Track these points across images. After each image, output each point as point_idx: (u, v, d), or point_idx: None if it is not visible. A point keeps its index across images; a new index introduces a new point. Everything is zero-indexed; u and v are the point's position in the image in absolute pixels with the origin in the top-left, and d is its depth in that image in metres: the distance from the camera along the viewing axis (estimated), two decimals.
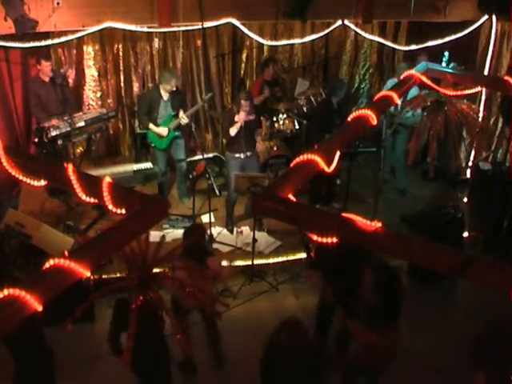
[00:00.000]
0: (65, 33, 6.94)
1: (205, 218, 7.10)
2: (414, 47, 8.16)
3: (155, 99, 7.09)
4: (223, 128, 6.97)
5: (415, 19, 8.08)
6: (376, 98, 4.12)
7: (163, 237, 3.42)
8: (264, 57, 8.76)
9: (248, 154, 6.88)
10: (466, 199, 7.81)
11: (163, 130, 7.11)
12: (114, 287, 3.33)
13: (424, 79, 4.33)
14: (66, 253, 2.44)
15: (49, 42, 6.92)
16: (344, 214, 2.85)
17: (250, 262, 6.53)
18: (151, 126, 7.11)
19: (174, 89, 7.07)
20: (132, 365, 3.72)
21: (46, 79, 7.09)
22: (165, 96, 7.08)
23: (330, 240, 2.71)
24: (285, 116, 8.02)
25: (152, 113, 7.12)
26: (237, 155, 6.86)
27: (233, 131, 6.64)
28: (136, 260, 3.19)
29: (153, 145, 7.35)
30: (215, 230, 6.98)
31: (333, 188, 7.70)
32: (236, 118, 6.61)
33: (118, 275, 5.66)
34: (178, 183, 7.68)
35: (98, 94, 8.32)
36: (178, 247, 3.71)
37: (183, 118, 7.09)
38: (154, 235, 3.55)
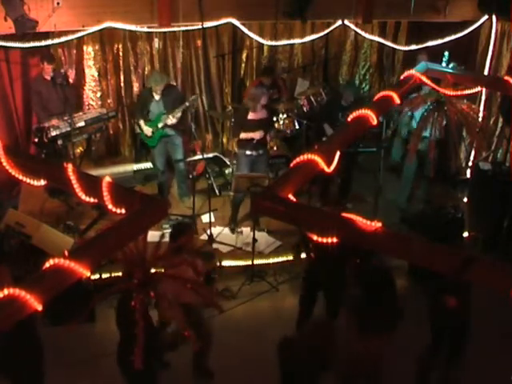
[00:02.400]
0: (65, 33, 6.93)
1: (205, 218, 7.11)
2: (414, 47, 8.14)
3: (148, 98, 7.21)
4: (233, 129, 6.94)
5: (415, 19, 8.06)
6: (376, 97, 4.12)
7: (162, 236, 3.42)
8: (263, 64, 8.74)
9: (260, 152, 6.86)
10: (466, 199, 7.80)
11: (147, 130, 7.21)
12: (115, 289, 3.33)
13: (424, 79, 4.34)
14: (66, 253, 2.44)
15: (49, 42, 6.91)
16: (344, 214, 2.86)
17: (250, 262, 6.53)
18: (141, 122, 7.23)
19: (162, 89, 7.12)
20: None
21: (49, 78, 7.11)
22: (156, 96, 7.16)
23: (330, 240, 2.71)
24: (285, 116, 8.01)
25: (144, 109, 7.22)
26: (248, 152, 6.81)
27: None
28: (135, 260, 3.19)
29: (144, 141, 7.45)
30: (215, 230, 6.97)
31: (347, 187, 7.61)
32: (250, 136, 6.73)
33: (119, 275, 5.67)
34: (178, 183, 7.67)
35: (98, 94, 8.30)
36: (174, 246, 3.73)
37: (169, 119, 7.12)
38: (154, 235, 3.54)
